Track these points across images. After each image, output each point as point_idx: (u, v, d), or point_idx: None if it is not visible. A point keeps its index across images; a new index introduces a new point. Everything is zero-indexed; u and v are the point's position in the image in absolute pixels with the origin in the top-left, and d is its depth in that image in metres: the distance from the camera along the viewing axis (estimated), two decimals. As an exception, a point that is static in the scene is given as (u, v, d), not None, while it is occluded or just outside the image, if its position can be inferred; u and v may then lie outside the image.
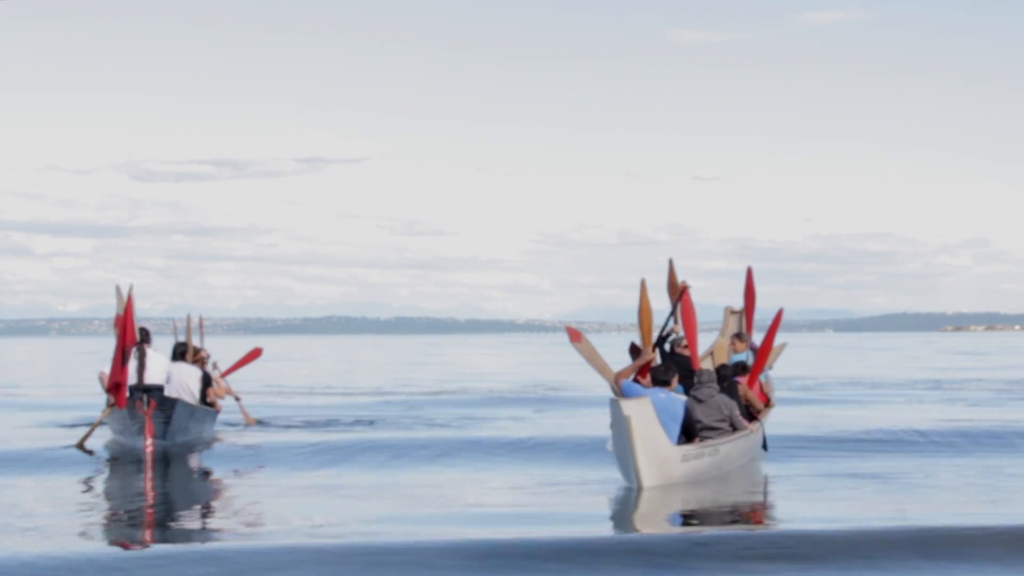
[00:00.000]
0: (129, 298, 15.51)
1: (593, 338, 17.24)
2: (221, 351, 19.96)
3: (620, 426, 11.89)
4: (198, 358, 17.95)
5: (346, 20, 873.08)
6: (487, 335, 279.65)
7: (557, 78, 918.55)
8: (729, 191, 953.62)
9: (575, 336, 13.92)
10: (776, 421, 16.50)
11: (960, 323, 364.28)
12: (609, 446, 12.59)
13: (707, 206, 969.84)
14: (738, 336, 15.81)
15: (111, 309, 17.44)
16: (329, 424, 19.83)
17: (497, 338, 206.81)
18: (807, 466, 14.23)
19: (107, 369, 15.80)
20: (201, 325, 19.18)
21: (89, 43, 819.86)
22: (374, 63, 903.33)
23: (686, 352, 14.34)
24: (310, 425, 19.71)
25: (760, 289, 15.84)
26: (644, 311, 13.93)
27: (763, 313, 16.08)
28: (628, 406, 11.82)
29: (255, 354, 19.55)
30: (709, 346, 16.20)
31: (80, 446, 15.88)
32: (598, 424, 16.60)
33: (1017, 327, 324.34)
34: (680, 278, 14.43)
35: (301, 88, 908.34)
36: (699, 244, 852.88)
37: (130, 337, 15.23)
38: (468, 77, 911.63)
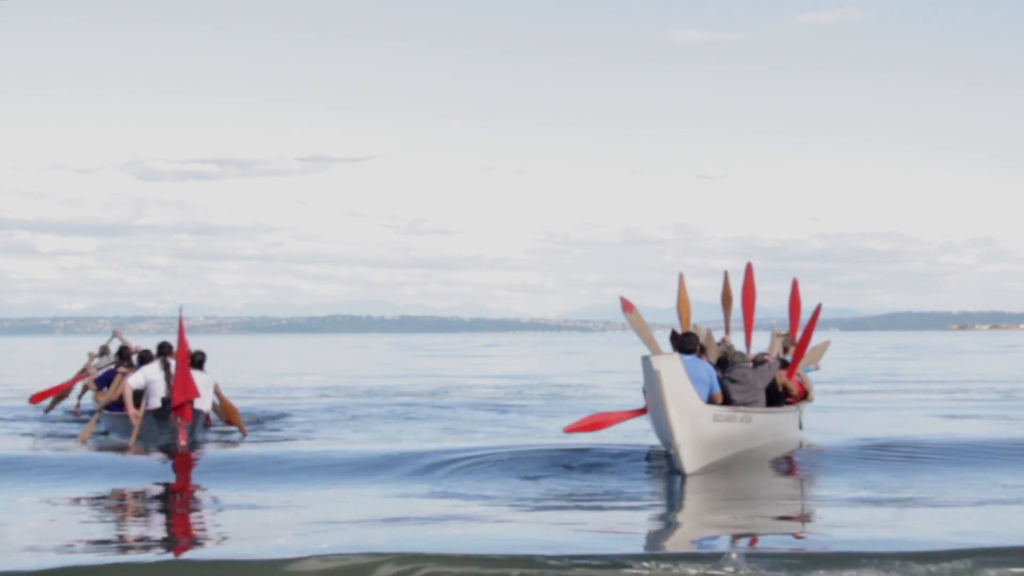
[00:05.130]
0: (180, 322, 15.45)
1: (597, 337, 17.44)
2: (226, 351, 19.78)
3: (651, 382, 12.28)
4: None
5: (350, 20, 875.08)
6: (492, 334, 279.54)
7: (561, 78, 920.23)
8: (734, 190, 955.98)
9: (627, 307, 14.99)
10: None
11: (965, 322, 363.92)
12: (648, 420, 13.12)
13: (712, 205, 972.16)
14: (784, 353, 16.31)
15: (116, 308, 18.09)
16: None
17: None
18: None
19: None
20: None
21: (93, 42, 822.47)
22: (378, 62, 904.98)
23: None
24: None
25: (764, 288, 16.15)
26: (682, 302, 15.53)
27: (774, 312, 16.16)
28: (658, 361, 12.23)
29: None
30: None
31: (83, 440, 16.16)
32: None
33: (1022, 326, 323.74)
34: (681, 279, 15.58)
35: (305, 87, 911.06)
36: (703, 243, 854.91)
37: (184, 359, 15.18)
38: (472, 76, 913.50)
